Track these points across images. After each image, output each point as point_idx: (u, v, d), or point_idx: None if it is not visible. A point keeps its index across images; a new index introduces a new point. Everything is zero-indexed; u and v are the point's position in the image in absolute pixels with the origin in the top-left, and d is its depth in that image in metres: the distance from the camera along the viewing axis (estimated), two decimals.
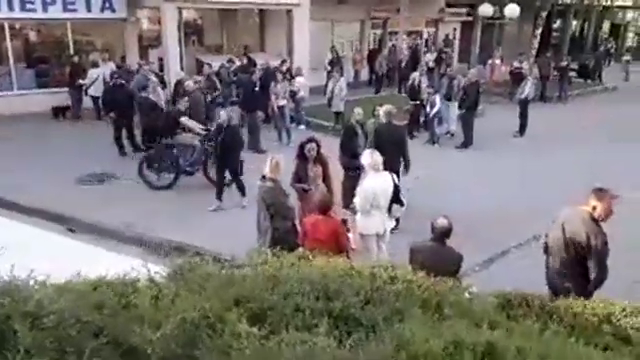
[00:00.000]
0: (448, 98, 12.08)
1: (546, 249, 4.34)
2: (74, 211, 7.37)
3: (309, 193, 5.72)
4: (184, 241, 6.38)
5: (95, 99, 12.63)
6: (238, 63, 14.13)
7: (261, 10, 17.34)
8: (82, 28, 14.95)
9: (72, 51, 14.25)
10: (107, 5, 14.47)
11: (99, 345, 1.92)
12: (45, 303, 1.89)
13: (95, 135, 11.15)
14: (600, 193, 3.99)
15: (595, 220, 3.98)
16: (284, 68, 13.02)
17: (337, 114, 12.31)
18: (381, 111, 7.71)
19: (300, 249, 3.82)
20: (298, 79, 12.65)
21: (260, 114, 11.24)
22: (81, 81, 12.84)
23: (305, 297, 2.41)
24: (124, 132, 10.43)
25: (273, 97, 11.33)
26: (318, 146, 6.02)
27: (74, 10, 13.98)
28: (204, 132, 8.83)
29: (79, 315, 2.04)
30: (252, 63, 14.24)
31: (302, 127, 12.57)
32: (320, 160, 6.03)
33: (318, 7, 16.66)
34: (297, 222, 5.27)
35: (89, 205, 7.62)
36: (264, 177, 5.00)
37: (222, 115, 7.95)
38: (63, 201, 7.65)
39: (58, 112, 13.31)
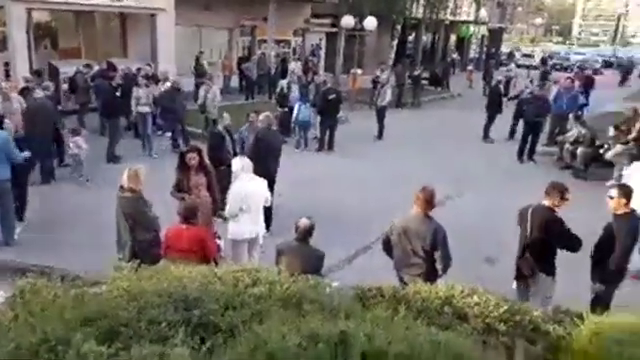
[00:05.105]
0: (314, 105, 12.53)
1: (388, 249, 4.73)
2: None
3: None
4: (28, 261, 5.77)
5: None
6: (97, 68, 13.24)
7: (122, 14, 16.44)
8: None
9: None
10: None
11: None
12: None
13: None
14: (429, 191, 4.47)
15: (429, 217, 4.45)
16: (146, 73, 12.44)
17: (207, 120, 12.15)
18: (261, 116, 7.80)
19: (162, 261, 3.69)
20: (167, 84, 12.19)
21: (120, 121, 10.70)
22: None
23: (162, 309, 2.35)
24: None
25: (134, 102, 10.78)
26: (200, 155, 5.88)
27: None
28: None
29: None
30: (112, 68, 13.44)
31: (169, 134, 12.14)
32: (203, 169, 5.89)
33: (184, 12, 16.29)
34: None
35: None
36: (122, 187, 4.75)
37: (6, 124, 7.22)
38: None
39: None
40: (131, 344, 2.07)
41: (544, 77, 21.37)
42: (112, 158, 10.15)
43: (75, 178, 9.14)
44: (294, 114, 12.36)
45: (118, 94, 10.75)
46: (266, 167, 6.73)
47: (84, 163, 9.22)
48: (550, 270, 4.73)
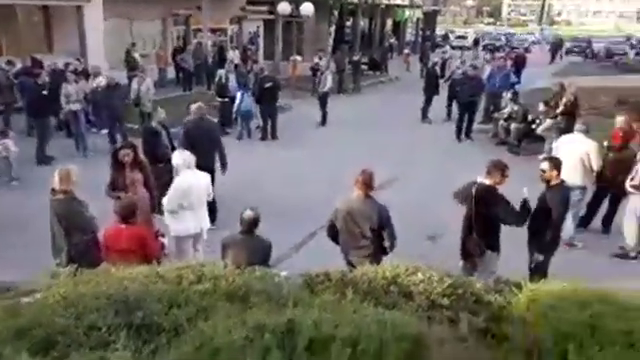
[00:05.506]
0: (254, 93, 12.38)
1: (333, 234, 4.76)
2: None
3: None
4: None
5: None
6: (20, 65, 12.46)
7: (45, 7, 15.51)
8: None
9: None
10: None
11: None
12: None
13: None
14: (368, 173, 4.54)
15: (370, 197, 4.51)
16: (75, 68, 11.85)
17: (143, 114, 11.72)
18: (192, 107, 7.66)
19: (102, 264, 3.54)
20: (99, 79, 11.64)
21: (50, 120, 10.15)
22: None
23: (101, 313, 2.26)
24: None
25: (64, 100, 10.24)
26: (134, 151, 5.67)
27: None
28: None
29: None
30: (38, 65, 12.69)
31: (105, 131, 11.64)
32: (139, 165, 5.68)
33: (112, 4, 15.57)
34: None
35: None
36: (54, 190, 4.50)
37: None
38: None
39: None
40: (69, 352, 1.98)
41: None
42: (43, 159, 9.62)
43: (4, 182, 8.62)
44: (236, 104, 12.16)
45: (45, 92, 10.17)
46: (203, 159, 6.56)
47: (14, 165, 8.72)
48: (495, 246, 4.90)
